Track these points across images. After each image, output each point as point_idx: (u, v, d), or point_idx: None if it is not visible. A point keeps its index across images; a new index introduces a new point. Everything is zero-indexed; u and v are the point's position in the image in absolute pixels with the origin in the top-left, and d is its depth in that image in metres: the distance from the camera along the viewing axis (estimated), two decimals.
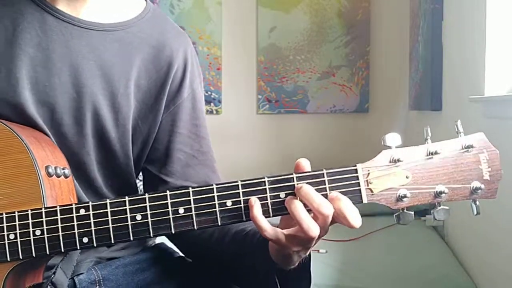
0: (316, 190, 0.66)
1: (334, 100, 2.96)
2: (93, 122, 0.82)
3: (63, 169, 0.74)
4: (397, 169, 0.68)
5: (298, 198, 0.66)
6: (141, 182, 2.53)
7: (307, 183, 0.67)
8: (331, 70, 2.95)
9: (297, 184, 0.66)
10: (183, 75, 0.90)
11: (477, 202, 0.68)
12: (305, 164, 0.69)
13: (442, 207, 0.68)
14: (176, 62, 0.88)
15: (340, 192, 0.67)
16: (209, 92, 2.98)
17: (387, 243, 1.93)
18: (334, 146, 2.96)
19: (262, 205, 0.67)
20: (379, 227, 2.06)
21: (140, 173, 0.95)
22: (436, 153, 0.67)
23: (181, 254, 0.95)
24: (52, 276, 0.78)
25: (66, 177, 0.74)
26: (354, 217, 0.65)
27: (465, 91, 1.71)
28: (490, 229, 1.50)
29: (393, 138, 0.69)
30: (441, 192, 0.67)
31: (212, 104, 2.98)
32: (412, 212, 0.68)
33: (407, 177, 0.67)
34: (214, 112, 2.99)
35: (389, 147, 0.68)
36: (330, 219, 0.65)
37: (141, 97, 0.86)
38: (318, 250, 1.88)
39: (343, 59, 2.94)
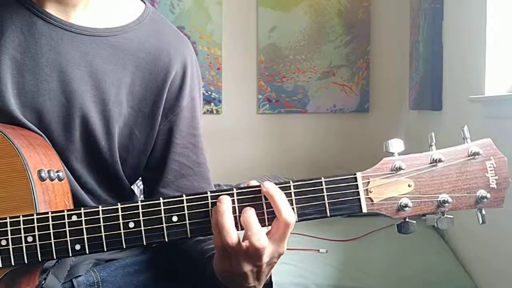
0: (314, 197, 0.65)
1: (334, 100, 2.96)
2: (81, 129, 0.80)
3: (57, 171, 0.72)
4: (399, 178, 0.65)
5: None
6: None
7: (304, 191, 0.66)
8: (331, 70, 2.95)
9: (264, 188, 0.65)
10: (182, 82, 0.87)
11: (483, 211, 0.66)
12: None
13: (445, 216, 0.66)
14: (174, 69, 0.86)
15: (338, 201, 0.65)
16: (209, 92, 2.98)
17: (387, 242, 1.93)
18: (334, 146, 2.96)
19: (258, 214, 0.66)
20: (379, 226, 2.06)
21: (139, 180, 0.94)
22: (440, 160, 0.65)
23: None
24: (43, 282, 0.77)
25: (60, 179, 0.73)
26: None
27: (465, 91, 1.71)
28: (490, 229, 1.49)
29: (395, 144, 0.66)
30: (445, 201, 0.65)
31: (212, 104, 2.98)
32: (415, 222, 0.66)
33: (409, 186, 0.65)
34: (214, 112, 2.99)
35: (391, 154, 0.66)
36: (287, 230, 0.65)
37: (136, 104, 0.84)
38: (318, 250, 1.88)
39: (343, 58, 2.94)
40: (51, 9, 0.79)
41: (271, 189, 0.65)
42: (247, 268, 0.66)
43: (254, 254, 0.64)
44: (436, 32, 2.13)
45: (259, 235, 0.63)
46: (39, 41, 0.77)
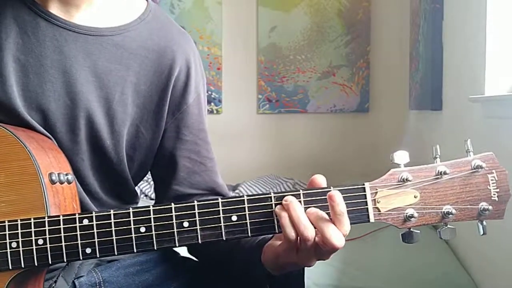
0: (322, 207, 0.66)
1: (334, 100, 2.96)
2: (87, 129, 0.80)
3: (66, 175, 0.73)
4: (406, 189, 0.67)
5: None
6: (148, 186, 2.51)
7: (313, 199, 0.66)
8: (331, 70, 2.95)
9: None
10: (187, 79, 0.87)
11: (484, 222, 0.68)
12: (321, 181, 0.68)
13: (448, 226, 0.67)
14: (178, 66, 0.86)
15: (347, 210, 0.65)
16: (209, 92, 2.98)
17: (387, 242, 1.93)
18: (334, 146, 2.96)
19: (268, 221, 0.66)
20: (379, 226, 2.06)
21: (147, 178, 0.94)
22: (445, 173, 0.66)
23: (182, 255, 0.95)
24: (54, 285, 0.77)
25: (69, 183, 0.73)
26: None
27: (465, 91, 1.71)
28: (490, 228, 1.49)
29: (401, 156, 0.67)
30: (448, 213, 0.66)
31: (212, 104, 2.98)
32: (419, 231, 0.67)
33: (415, 197, 0.67)
34: (214, 112, 2.99)
35: (398, 165, 0.67)
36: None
37: (142, 102, 0.84)
38: None
39: (343, 58, 2.94)
40: (54, 9, 0.79)
41: (314, 214, 0.65)
42: (313, 262, 0.67)
43: (326, 251, 0.65)
44: (436, 32, 2.13)
45: (338, 234, 0.64)
46: (43, 42, 0.77)
